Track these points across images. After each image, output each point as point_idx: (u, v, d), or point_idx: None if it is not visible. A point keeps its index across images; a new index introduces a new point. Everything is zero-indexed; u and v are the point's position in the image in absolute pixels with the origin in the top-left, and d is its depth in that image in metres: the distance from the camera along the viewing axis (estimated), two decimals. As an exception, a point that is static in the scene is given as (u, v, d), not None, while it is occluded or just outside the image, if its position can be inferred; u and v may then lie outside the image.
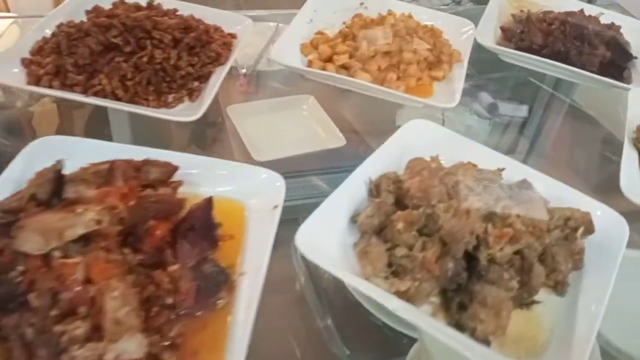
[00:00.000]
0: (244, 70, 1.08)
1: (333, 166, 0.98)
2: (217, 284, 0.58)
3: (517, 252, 0.62)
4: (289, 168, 0.93)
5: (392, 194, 0.69)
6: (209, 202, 0.65)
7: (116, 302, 0.52)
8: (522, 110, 1.20)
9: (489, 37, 1.08)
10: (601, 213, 0.71)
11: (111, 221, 0.55)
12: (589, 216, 0.69)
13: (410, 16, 1.02)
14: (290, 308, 0.75)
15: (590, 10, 1.16)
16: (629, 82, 1.02)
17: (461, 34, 1.06)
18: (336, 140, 0.97)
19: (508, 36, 1.11)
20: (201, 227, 0.63)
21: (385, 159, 0.75)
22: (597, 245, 0.69)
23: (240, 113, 1.02)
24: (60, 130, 0.95)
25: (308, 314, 0.72)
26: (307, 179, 0.94)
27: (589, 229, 0.68)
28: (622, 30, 1.15)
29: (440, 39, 0.97)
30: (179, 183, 0.65)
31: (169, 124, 0.99)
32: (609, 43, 1.08)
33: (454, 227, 0.60)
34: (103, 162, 0.62)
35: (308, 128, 1.01)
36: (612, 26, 1.10)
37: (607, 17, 1.16)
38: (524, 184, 0.72)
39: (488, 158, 0.78)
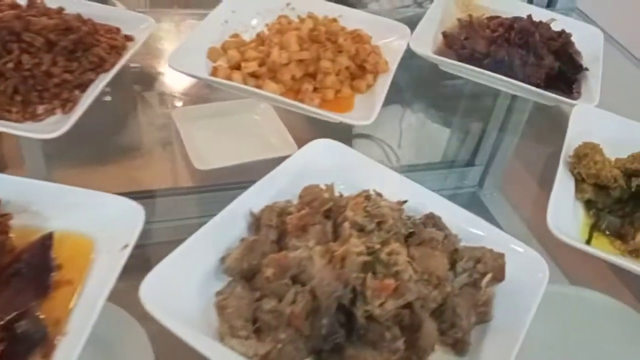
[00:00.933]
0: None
1: None
2: (30, 345, 0.47)
3: (407, 305, 0.52)
4: (235, 177, 0.89)
5: (276, 230, 0.59)
6: (46, 240, 0.55)
7: None
8: (512, 117, 1.13)
9: (426, 44, 0.98)
10: (522, 253, 0.62)
11: None
12: (501, 260, 0.59)
13: (334, 20, 0.92)
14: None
15: (540, 15, 1.06)
16: (577, 97, 0.93)
17: (393, 40, 0.96)
18: (287, 147, 0.91)
19: (449, 43, 1.02)
20: (32, 271, 0.53)
21: (279, 186, 0.66)
22: (512, 293, 0.59)
23: (186, 117, 0.97)
24: None
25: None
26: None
27: (499, 276, 0.58)
28: (577, 39, 1.05)
29: (364, 46, 0.87)
30: (9, 217, 0.55)
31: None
32: (557, 52, 0.98)
33: (325, 277, 0.50)
34: None
35: (258, 134, 0.96)
36: (562, 34, 1.00)
37: (561, 23, 1.06)
38: (430, 219, 0.62)
39: (398, 186, 0.68)
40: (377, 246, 0.52)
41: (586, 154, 0.71)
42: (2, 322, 0.48)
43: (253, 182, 0.82)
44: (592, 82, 0.94)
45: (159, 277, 0.52)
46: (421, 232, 0.60)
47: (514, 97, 1.06)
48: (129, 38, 0.84)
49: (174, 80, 1.05)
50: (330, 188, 0.62)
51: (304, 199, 0.62)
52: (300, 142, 0.98)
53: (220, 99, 1.02)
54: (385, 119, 1.37)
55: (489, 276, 0.57)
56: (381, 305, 0.49)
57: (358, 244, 0.52)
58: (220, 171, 0.89)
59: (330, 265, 0.50)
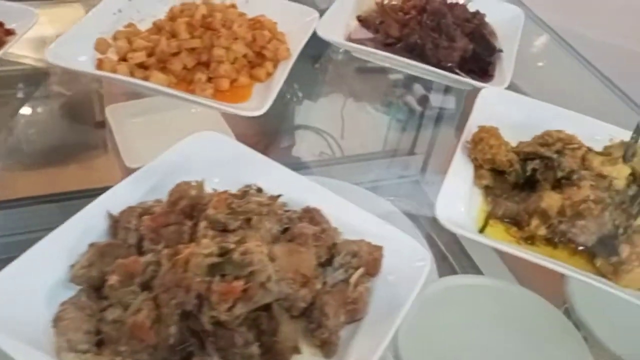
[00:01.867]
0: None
1: None
2: None
3: (267, 308, 0.49)
4: None
5: (136, 233, 0.55)
6: None
7: None
8: (451, 102, 1.10)
9: (338, 29, 0.94)
10: (404, 244, 0.59)
11: None
12: (377, 253, 0.56)
13: (232, 5, 0.87)
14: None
15: (460, -4, 1.03)
16: (489, 80, 0.90)
17: (303, 25, 0.92)
18: None
19: (365, 27, 0.98)
20: None
21: (150, 183, 0.61)
22: (391, 286, 0.56)
23: (122, 113, 0.94)
24: None
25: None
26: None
27: (372, 270, 0.55)
28: (497, 19, 1.03)
29: (263, 33, 0.82)
30: None
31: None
32: (471, 34, 0.95)
33: (166, 283, 0.46)
34: None
35: (196, 128, 0.92)
36: (476, 15, 0.97)
37: (479, 4, 1.03)
38: (307, 214, 0.59)
39: (284, 179, 0.65)
40: (232, 245, 0.49)
41: (482, 138, 0.68)
42: None
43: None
44: (506, 64, 0.92)
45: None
46: (296, 227, 0.56)
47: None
48: (9, 32, 0.79)
49: None
50: (199, 185, 0.58)
51: (171, 197, 0.58)
52: (240, 137, 0.97)
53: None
54: (327, 108, 1.35)
55: (359, 271, 0.54)
56: (229, 309, 0.46)
57: (208, 245, 0.48)
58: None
59: (174, 269, 0.47)
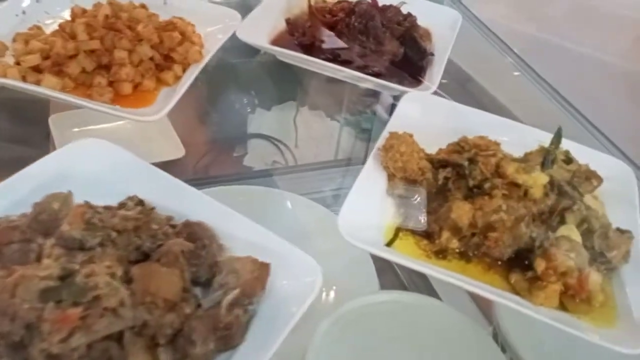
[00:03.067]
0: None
1: None
2: None
3: (119, 336, 0.43)
4: None
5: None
6: None
7: None
8: None
9: (264, 32, 0.89)
10: (293, 261, 0.53)
11: None
12: (261, 270, 0.50)
13: (142, 6, 0.82)
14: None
15: (393, -2, 0.99)
16: (418, 85, 0.85)
17: (223, 28, 0.87)
18: (174, 151, 0.89)
19: (292, 31, 0.93)
20: None
21: (20, 193, 0.55)
22: (274, 309, 0.51)
23: (66, 123, 0.92)
24: None
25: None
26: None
27: (254, 290, 0.49)
28: (435, 22, 0.98)
29: (172, 35, 0.77)
30: None
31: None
32: (402, 38, 0.91)
33: (-9, 311, 0.40)
34: None
35: (145, 137, 0.92)
36: (407, 17, 0.93)
37: (414, 6, 0.99)
38: (187, 228, 0.53)
39: (172, 190, 0.59)
40: (77, 267, 0.43)
41: (392, 145, 0.63)
42: None
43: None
44: (436, 68, 0.87)
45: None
46: (171, 243, 0.51)
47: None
48: None
49: None
50: (65, 197, 0.52)
51: (33, 211, 0.51)
52: (189, 146, 0.93)
53: None
54: (280, 117, 1.30)
55: (234, 292, 0.48)
56: (64, 340, 0.40)
57: (49, 266, 0.42)
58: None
59: (1, 294, 0.41)
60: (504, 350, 0.65)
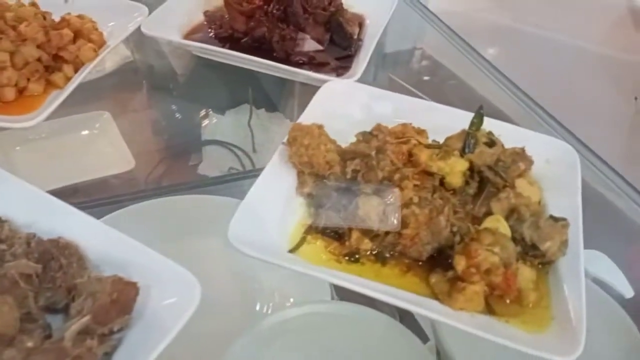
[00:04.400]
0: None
1: (114, 195, 0.80)
2: None
3: None
4: (71, 199, 0.76)
5: None
6: None
7: None
8: None
9: (174, 27, 0.82)
10: (170, 277, 0.46)
11: None
12: (129, 290, 0.43)
13: (32, 4, 0.74)
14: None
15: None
16: (342, 74, 0.78)
17: (129, 22, 0.80)
18: (124, 163, 0.87)
19: (210, 23, 0.86)
20: None
21: None
22: (145, 332, 0.43)
23: (16, 137, 0.87)
24: None
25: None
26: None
27: (104, 317, 0.41)
28: (368, 7, 0.92)
29: (61, 33, 0.70)
30: None
31: None
32: (328, 24, 0.84)
33: None
34: None
35: (95, 151, 0.91)
36: (332, 1, 0.86)
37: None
38: (41, 246, 0.45)
39: (42, 204, 0.51)
40: None
41: (295, 137, 0.56)
42: None
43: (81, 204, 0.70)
44: (362, 55, 0.80)
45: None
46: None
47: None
48: None
49: None
50: None
51: None
52: (140, 156, 0.90)
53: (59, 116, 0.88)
54: (235, 121, 1.23)
55: (82, 321, 0.40)
56: None
57: None
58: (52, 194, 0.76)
59: None
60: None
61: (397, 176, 0.51)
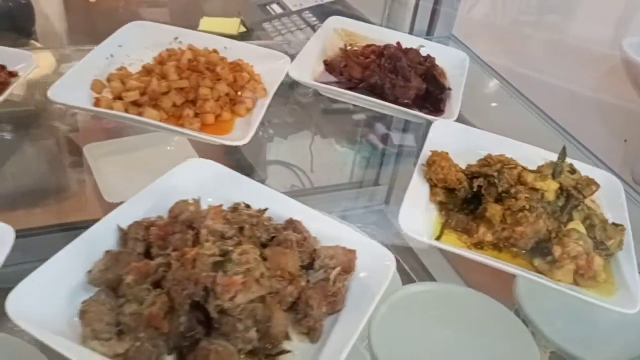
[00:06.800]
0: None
1: None
2: None
3: (261, 300, 0.58)
4: None
5: (142, 243, 0.63)
6: None
7: None
8: (410, 139, 1.24)
9: (306, 71, 1.06)
10: (372, 249, 0.69)
11: None
12: (351, 255, 0.66)
13: (214, 51, 0.98)
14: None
15: (412, 42, 1.17)
16: (441, 114, 1.03)
17: (274, 68, 1.04)
18: None
19: (330, 70, 1.10)
20: None
21: (150, 203, 0.70)
22: (363, 284, 0.66)
23: (98, 152, 1.00)
24: None
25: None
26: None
27: (347, 268, 0.65)
28: (446, 62, 1.17)
29: (242, 74, 0.94)
30: None
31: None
32: (424, 75, 1.08)
33: (177, 278, 0.55)
34: None
35: (171, 166, 0.93)
36: (427, 58, 1.11)
37: (430, 49, 1.17)
38: (290, 224, 0.68)
39: (267, 197, 0.74)
40: (230, 248, 0.58)
41: (434, 160, 0.80)
42: None
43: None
44: (454, 100, 1.05)
45: (24, 291, 0.55)
46: (281, 235, 0.66)
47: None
48: (12, 74, 0.88)
49: (87, 117, 1.07)
50: (196, 202, 0.67)
51: (172, 213, 0.66)
52: None
53: (134, 133, 1.06)
54: (297, 144, 1.45)
55: (337, 270, 0.63)
56: (231, 299, 0.55)
57: (210, 247, 0.57)
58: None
59: (182, 267, 0.55)
60: (526, 325, 0.81)
61: (513, 190, 0.76)
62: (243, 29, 1.58)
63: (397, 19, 1.48)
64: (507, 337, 0.75)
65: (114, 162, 1.04)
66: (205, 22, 1.55)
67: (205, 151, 1.07)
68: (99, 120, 1.08)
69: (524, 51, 1.62)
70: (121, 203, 0.86)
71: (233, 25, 1.57)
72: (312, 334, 0.60)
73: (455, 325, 0.75)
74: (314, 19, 1.69)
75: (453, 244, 0.76)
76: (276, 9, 1.77)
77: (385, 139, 1.27)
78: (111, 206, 0.90)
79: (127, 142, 1.05)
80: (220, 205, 0.65)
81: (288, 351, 0.59)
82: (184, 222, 0.64)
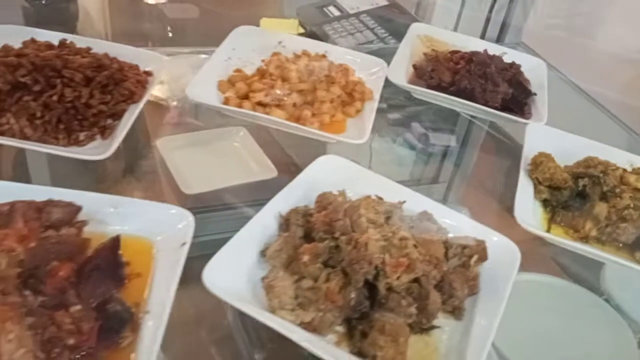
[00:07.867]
0: (174, 103, 1.10)
1: (265, 198, 0.92)
2: (120, 322, 0.58)
3: (415, 280, 0.66)
4: (219, 201, 0.96)
5: (301, 228, 0.72)
6: (115, 241, 0.65)
7: (11, 345, 0.51)
8: (451, 140, 1.28)
9: (400, 75, 1.14)
10: (496, 241, 0.77)
11: (8, 264, 0.55)
12: (483, 244, 0.74)
13: (324, 56, 1.07)
14: (217, 344, 0.75)
15: (494, 50, 1.25)
16: (529, 117, 1.10)
17: (373, 72, 1.12)
18: (268, 171, 0.99)
19: (419, 74, 1.18)
20: (107, 266, 0.63)
21: (296, 194, 0.78)
22: (491, 271, 0.74)
23: (170, 146, 1.03)
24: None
25: (236, 350, 0.73)
26: (239, 211, 0.94)
27: (483, 257, 0.72)
28: (523, 68, 1.24)
29: (352, 78, 1.02)
30: (84, 223, 0.65)
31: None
32: (510, 81, 1.16)
33: (353, 259, 0.63)
34: (3, 203, 0.61)
35: (239, 160, 1.03)
36: (513, 65, 1.19)
37: (510, 56, 1.25)
38: (424, 216, 0.76)
39: (393, 191, 0.82)
40: (390, 234, 0.66)
41: (541, 161, 0.88)
42: (94, 305, 0.58)
43: (237, 204, 0.92)
44: (540, 105, 1.13)
45: (217, 265, 0.63)
46: (419, 225, 0.74)
47: (470, 121, 1.24)
48: (148, 73, 0.96)
49: (156, 112, 1.11)
50: (342, 193, 0.76)
51: (321, 203, 0.75)
52: (278, 167, 1.03)
53: (200, 128, 1.10)
54: (352, 144, 1.53)
55: (475, 257, 0.71)
56: (398, 278, 0.63)
57: (375, 233, 0.65)
58: (205, 195, 0.95)
59: (356, 250, 0.64)
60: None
61: (617, 190, 0.83)
62: (301, 30, 1.60)
63: (468, 26, 1.56)
64: (602, 325, 0.82)
65: (186, 156, 1.06)
66: (265, 23, 1.57)
67: (268, 147, 1.06)
68: (163, 115, 1.13)
69: (590, 57, 1.68)
70: (199, 194, 0.92)
71: (292, 25, 1.61)
72: (457, 312, 0.68)
73: (555, 313, 0.82)
74: (372, 22, 1.76)
75: (563, 238, 0.83)
76: (333, 11, 1.84)
77: (422, 139, 1.32)
78: (187, 198, 0.94)
79: (197, 137, 1.08)
80: (370, 196, 0.74)
81: (438, 327, 0.67)
82: (346, 211, 0.71)
